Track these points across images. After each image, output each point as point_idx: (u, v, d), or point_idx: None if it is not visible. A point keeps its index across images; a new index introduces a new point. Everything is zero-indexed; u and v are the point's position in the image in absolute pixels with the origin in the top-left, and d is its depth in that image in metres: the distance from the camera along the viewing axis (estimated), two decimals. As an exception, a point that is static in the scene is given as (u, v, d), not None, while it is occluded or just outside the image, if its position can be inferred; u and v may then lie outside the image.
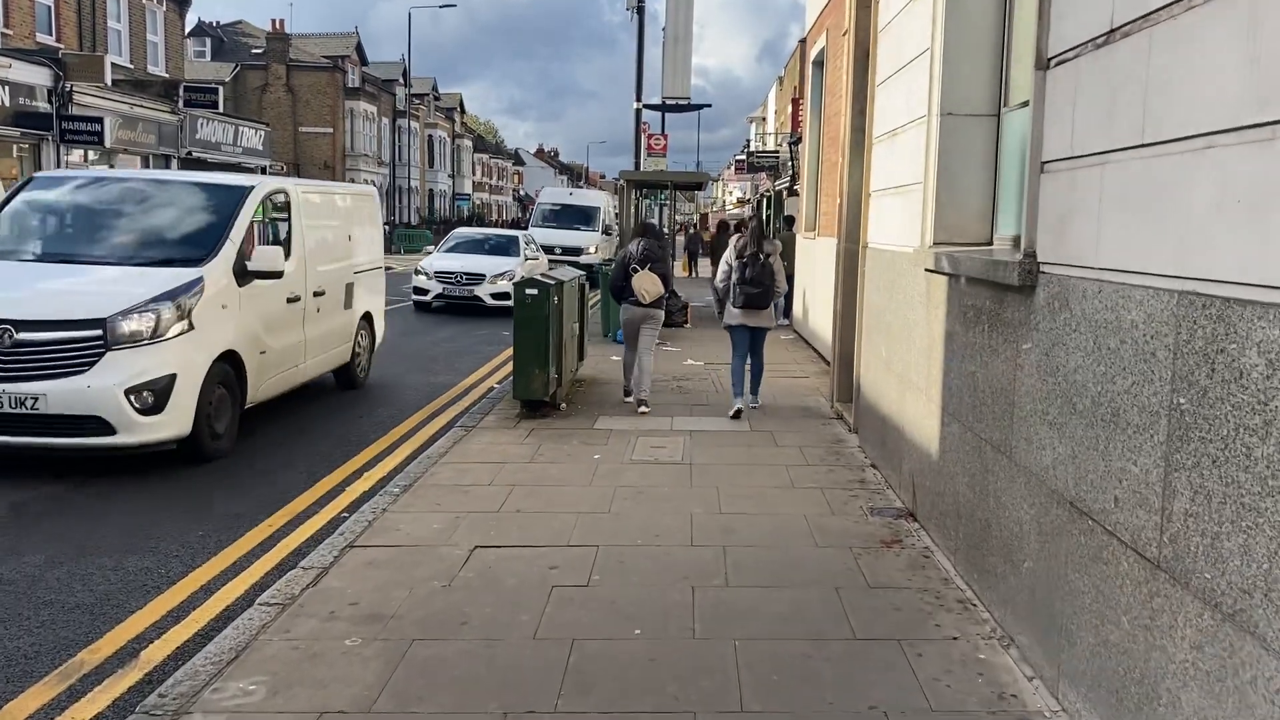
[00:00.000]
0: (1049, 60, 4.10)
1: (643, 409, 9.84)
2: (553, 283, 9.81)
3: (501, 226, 48.14)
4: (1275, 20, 2.49)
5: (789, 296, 17.18)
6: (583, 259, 24.50)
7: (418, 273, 22.00)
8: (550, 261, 23.04)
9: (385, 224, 47.90)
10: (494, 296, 20.11)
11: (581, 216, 29.88)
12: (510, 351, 10.32)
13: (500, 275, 20.61)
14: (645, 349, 10.16)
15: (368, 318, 10.43)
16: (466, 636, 4.52)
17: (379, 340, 11.48)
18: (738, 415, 9.65)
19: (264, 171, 35.92)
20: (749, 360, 10.14)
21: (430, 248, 33.06)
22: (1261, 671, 2.49)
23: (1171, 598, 2.96)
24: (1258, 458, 2.53)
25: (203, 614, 4.99)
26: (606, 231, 29.67)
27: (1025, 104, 4.68)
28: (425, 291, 21.24)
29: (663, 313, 10.75)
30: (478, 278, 20.77)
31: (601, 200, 31.48)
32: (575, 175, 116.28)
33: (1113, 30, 3.46)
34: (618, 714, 3.84)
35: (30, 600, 5.12)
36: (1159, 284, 3.08)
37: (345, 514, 6.59)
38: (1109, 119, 3.49)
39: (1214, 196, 2.76)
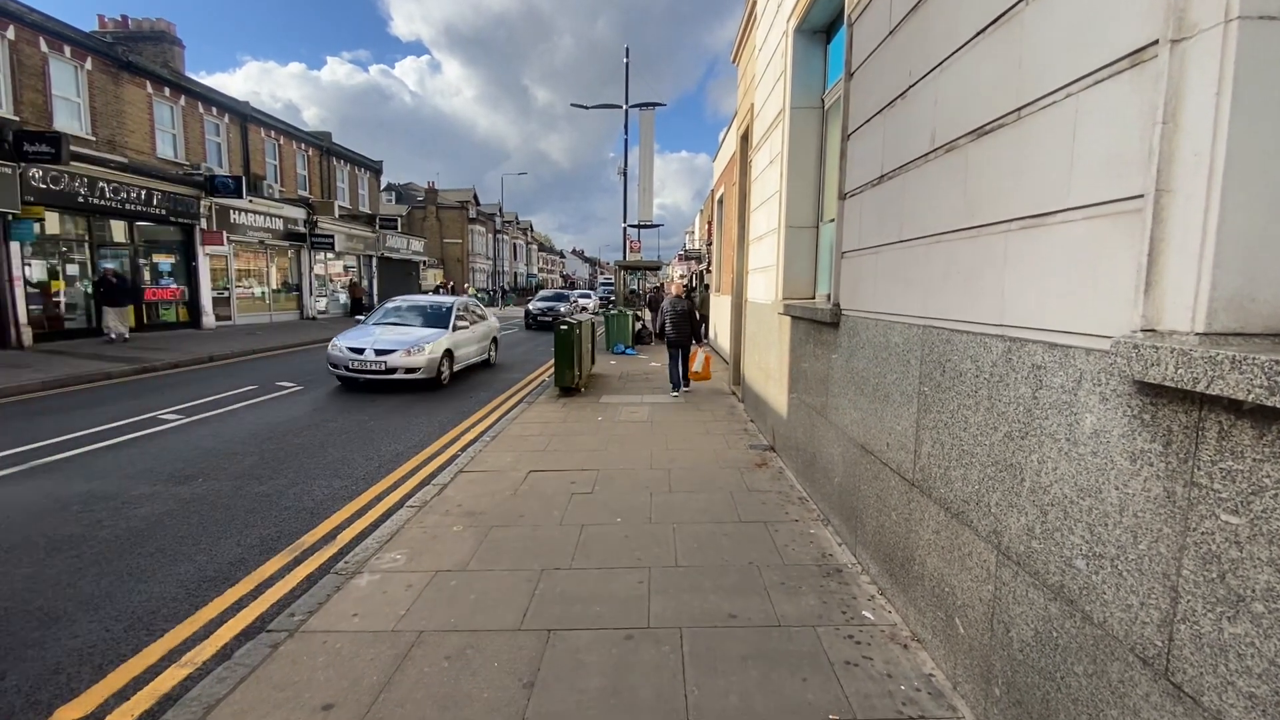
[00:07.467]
0: (846, 194, 3.90)
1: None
2: (576, 321, 9.50)
3: (554, 288, 47.14)
4: (978, 169, 2.28)
5: (705, 326, 16.93)
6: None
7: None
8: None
9: (494, 290, 47.36)
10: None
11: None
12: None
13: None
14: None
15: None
16: (522, 524, 4.25)
17: (498, 345, 13.63)
18: (677, 394, 9.29)
19: (423, 264, 35.33)
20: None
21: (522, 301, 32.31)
22: (974, 548, 2.27)
23: (921, 503, 2.74)
24: (970, 422, 2.32)
25: (374, 512, 4.71)
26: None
27: (833, 220, 4.49)
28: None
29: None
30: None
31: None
32: (592, 263, 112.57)
33: (882, 176, 3.26)
34: (606, 568, 3.60)
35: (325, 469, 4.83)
36: (911, 321, 2.87)
37: (459, 453, 6.30)
38: (879, 226, 3.29)
39: (942, 269, 2.55)
